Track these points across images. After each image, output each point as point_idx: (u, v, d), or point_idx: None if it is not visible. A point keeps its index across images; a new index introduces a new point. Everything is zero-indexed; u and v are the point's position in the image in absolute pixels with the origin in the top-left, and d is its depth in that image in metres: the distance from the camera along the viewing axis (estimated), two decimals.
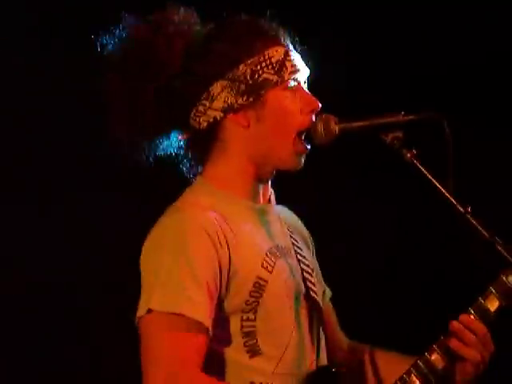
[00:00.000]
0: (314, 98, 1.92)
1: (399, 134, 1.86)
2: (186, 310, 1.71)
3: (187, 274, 1.74)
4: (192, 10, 1.95)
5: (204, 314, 1.73)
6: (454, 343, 1.85)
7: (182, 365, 1.70)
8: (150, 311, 1.72)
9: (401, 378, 1.90)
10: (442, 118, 1.84)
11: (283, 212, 2.09)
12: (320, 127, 1.88)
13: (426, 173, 1.84)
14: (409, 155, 1.84)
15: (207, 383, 1.74)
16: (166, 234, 1.81)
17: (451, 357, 1.87)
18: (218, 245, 1.78)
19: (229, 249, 1.80)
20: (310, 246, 2.15)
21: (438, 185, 1.84)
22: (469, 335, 1.84)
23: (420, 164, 1.84)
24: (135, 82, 1.90)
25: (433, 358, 1.87)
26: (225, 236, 1.80)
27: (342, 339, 2.18)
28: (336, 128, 1.88)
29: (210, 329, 1.74)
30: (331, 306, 2.17)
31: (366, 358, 2.11)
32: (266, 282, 1.83)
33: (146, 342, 1.72)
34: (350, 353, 2.17)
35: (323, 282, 2.13)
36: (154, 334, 1.73)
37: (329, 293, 2.16)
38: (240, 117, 1.89)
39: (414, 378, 1.88)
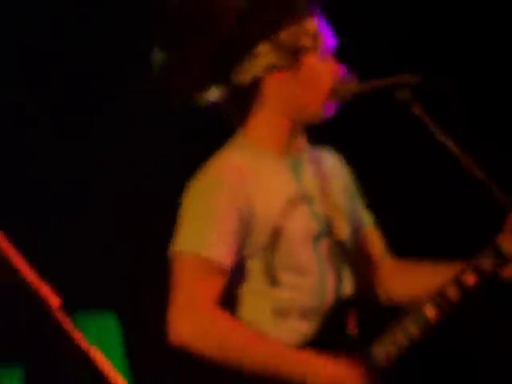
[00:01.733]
0: (340, 65, 2.20)
1: (408, 92, 2.08)
2: (205, 251, 2.02)
3: (210, 219, 2.06)
4: None
5: (222, 254, 2.03)
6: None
7: (198, 301, 2.01)
8: (176, 250, 2.07)
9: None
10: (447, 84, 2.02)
11: (323, 156, 2.31)
12: (343, 86, 2.16)
13: (431, 123, 2.05)
14: (417, 109, 2.07)
15: (219, 315, 2.04)
16: (197, 185, 2.11)
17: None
18: (242, 196, 2.07)
19: (251, 199, 2.08)
20: (349, 187, 2.33)
21: (442, 135, 2.05)
22: None
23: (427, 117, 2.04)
24: (193, 37, 2.14)
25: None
26: (249, 188, 2.08)
27: (386, 268, 2.35)
28: (356, 87, 2.16)
29: (229, 267, 2.04)
30: (374, 231, 2.37)
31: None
32: (283, 228, 2.09)
33: (173, 277, 2.06)
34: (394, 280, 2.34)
35: (366, 214, 2.35)
36: (177, 270, 2.06)
37: (370, 220, 2.36)
38: (279, 76, 2.14)
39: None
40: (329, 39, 2.21)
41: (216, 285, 2.04)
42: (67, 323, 1.32)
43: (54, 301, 1.28)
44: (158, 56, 2.18)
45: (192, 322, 2.01)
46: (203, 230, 2.05)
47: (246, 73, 2.14)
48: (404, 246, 2.36)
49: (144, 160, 3.25)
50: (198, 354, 2.01)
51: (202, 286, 2.03)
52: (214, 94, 2.19)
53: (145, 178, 3.11)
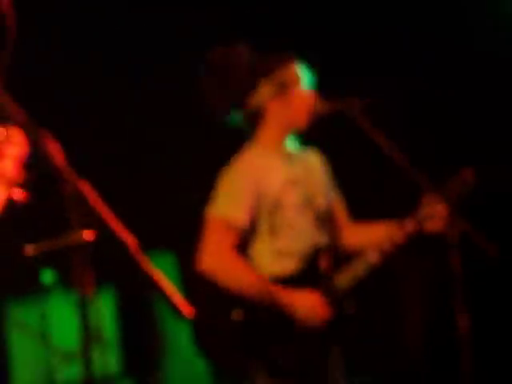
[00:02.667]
0: (314, 92, 3.12)
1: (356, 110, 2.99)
2: (229, 215, 2.97)
3: (234, 194, 3.00)
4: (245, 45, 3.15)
5: (240, 218, 2.97)
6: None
7: (222, 247, 2.94)
8: (210, 212, 3.01)
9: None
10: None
11: (307, 154, 3.22)
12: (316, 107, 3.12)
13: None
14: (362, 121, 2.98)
15: (233, 257, 2.95)
16: (227, 172, 3.07)
17: None
18: (257, 179, 3.01)
19: (261, 182, 3.01)
20: (325, 175, 3.23)
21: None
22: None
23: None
24: (221, 82, 3.10)
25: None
26: (260, 175, 3.03)
27: (348, 227, 3.28)
28: (324, 106, 3.10)
29: (245, 227, 2.97)
30: (340, 204, 3.29)
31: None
32: (281, 199, 3.01)
33: (204, 230, 2.98)
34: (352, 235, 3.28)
35: (336, 193, 3.26)
36: (208, 226, 2.99)
37: (339, 197, 3.28)
38: (276, 103, 3.10)
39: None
40: (306, 75, 3.14)
41: (233, 238, 2.97)
42: (143, 259, 1.54)
43: (132, 241, 1.51)
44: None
45: (213, 259, 2.94)
46: (229, 201, 3.01)
47: (255, 101, 3.11)
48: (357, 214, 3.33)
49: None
50: (215, 281, 2.95)
51: (224, 237, 2.97)
52: (235, 117, 3.13)
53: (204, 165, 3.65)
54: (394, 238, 3.04)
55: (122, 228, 1.53)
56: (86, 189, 1.48)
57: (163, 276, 1.57)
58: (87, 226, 1.44)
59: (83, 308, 1.47)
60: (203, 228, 3.00)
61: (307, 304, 2.96)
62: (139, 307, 4.98)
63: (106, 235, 1.51)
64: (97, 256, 1.53)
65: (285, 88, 3.08)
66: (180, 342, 5.11)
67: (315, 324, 2.96)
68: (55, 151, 1.52)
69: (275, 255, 3.03)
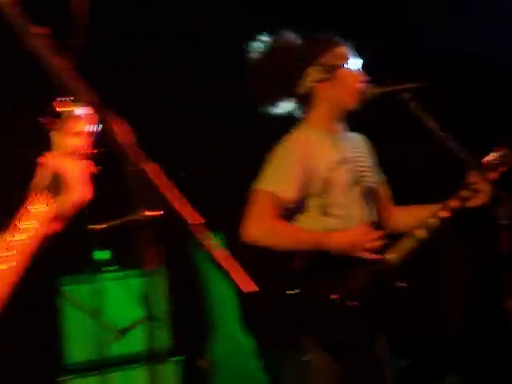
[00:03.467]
0: (362, 73, 3.16)
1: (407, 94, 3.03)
2: (275, 189, 3.02)
3: (283, 170, 3.05)
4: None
5: (286, 192, 3.01)
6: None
7: (264, 216, 3.00)
8: (258, 187, 3.06)
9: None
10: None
11: (354, 136, 3.31)
12: (365, 89, 3.16)
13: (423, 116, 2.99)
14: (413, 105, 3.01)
15: (275, 222, 3.02)
16: (277, 150, 3.13)
17: None
18: (307, 156, 3.06)
19: (311, 160, 3.06)
20: (371, 156, 3.32)
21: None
22: None
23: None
24: (272, 69, 3.16)
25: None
26: (309, 153, 3.07)
27: (392, 209, 3.38)
28: (374, 90, 3.14)
29: (291, 202, 3.03)
30: (385, 186, 3.38)
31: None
32: (331, 179, 3.06)
33: (250, 202, 3.04)
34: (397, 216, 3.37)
35: (380, 175, 3.35)
36: (254, 197, 3.05)
37: (382, 178, 3.36)
38: (324, 85, 3.15)
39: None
40: (354, 57, 3.19)
41: (277, 210, 3.03)
42: (207, 238, 1.58)
43: (199, 219, 1.55)
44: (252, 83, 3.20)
45: (257, 226, 3.00)
46: (277, 176, 3.05)
47: (303, 86, 3.18)
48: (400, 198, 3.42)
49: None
50: (260, 246, 3.01)
51: (268, 209, 3.01)
52: (285, 104, 3.23)
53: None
54: (439, 214, 3.09)
55: (187, 208, 1.55)
56: (153, 170, 1.50)
57: (226, 254, 1.59)
58: (151, 206, 1.45)
59: (145, 284, 1.49)
60: (250, 201, 3.06)
61: (351, 232, 3.03)
62: (190, 286, 5.06)
63: (169, 215, 1.53)
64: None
65: (332, 70, 3.13)
66: (227, 320, 5.18)
67: (362, 247, 3.00)
68: (123, 133, 1.55)
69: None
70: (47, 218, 1.62)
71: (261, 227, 3.00)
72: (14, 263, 1.58)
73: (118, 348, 4.51)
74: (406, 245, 3.07)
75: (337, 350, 3.00)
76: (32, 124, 1.71)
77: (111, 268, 4.58)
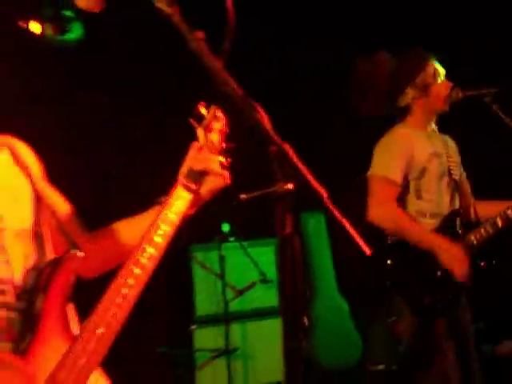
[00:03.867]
0: (448, 81, 3.23)
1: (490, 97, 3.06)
2: (388, 174, 3.10)
3: (391, 158, 3.14)
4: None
5: (397, 176, 3.09)
6: None
7: (385, 200, 3.08)
8: (372, 173, 3.17)
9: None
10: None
11: (443, 136, 3.34)
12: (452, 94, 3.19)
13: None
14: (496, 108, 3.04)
15: (395, 208, 3.08)
16: (384, 141, 3.23)
17: None
18: (409, 147, 3.14)
19: (411, 151, 3.13)
20: (457, 153, 3.36)
21: None
22: None
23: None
24: (373, 85, 3.26)
25: None
26: (410, 144, 3.15)
27: (471, 201, 3.36)
28: (460, 94, 3.18)
29: (400, 184, 3.09)
30: (467, 182, 3.39)
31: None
32: (427, 168, 3.13)
33: (369, 189, 3.13)
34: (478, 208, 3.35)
35: (462, 170, 3.37)
36: (372, 185, 3.15)
37: (464, 174, 3.37)
38: (420, 99, 3.23)
39: None
40: (442, 72, 3.25)
41: (393, 191, 3.10)
42: (332, 206, 1.59)
43: (324, 192, 1.56)
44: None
45: (380, 210, 3.08)
46: (387, 163, 3.14)
47: (403, 102, 3.26)
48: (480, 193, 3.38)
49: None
50: (383, 228, 3.08)
51: (386, 192, 3.09)
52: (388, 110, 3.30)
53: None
54: None
55: (316, 181, 1.56)
56: (288, 149, 1.50)
57: (346, 219, 1.59)
58: (288, 179, 1.46)
59: (281, 248, 1.51)
60: (368, 186, 3.18)
61: (454, 251, 3.04)
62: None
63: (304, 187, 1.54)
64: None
65: (427, 88, 3.23)
66: (327, 284, 5.20)
67: (454, 268, 3.01)
68: (264, 119, 1.59)
69: (418, 214, 3.15)
70: (190, 203, 1.72)
71: (384, 211, 3.08)
72: (169, 237, 1.67)
73: (238, 304, 4.60)
74: (486, 230, 3.09)
75: (426, 315, 3.02)
76: (183, 122, 1.82)
77: (233, 238, 4.67)
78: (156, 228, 1.66)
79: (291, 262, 1.46)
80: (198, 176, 1.76)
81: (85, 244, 1.73)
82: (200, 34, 1.52)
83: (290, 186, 1.46)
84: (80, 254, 1.61)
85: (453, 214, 3.16)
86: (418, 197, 3.14)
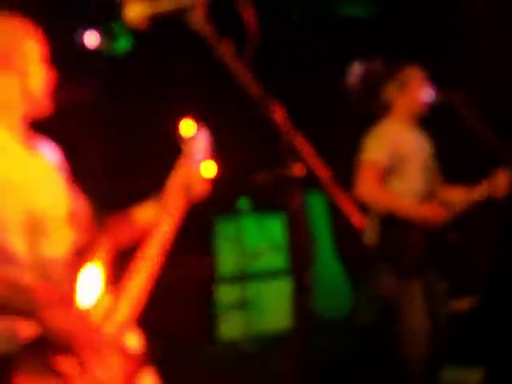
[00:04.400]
0: (428, 85, 3.03)
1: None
2: (373, 158, 2.92)
3: (378, 143, 2.97)
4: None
5: (382, 160, 2.91)
6: None
7: (368, 180, 2.89)
8: (361, 157, 2.97)
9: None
10: None
11: (422, 132, 3.11)
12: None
13: None
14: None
15: (378, 187, 2.90)
16: (371, 135, 3.02)
17: None
18: (394, 135, 2.98)
19: (398, 139, 2.98)
20: (432, 147, 3.17)
21: None
22: None
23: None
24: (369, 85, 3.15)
25: None
26: (396, 134, 3.00)
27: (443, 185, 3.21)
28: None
29: (385, 168, 2.91)
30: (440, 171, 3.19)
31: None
32: (411, 157, 2.97)
33: (358, 171, 2.94)
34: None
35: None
36: (359, 168, 2.94)
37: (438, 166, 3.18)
38: (400, 94, 3.05)
39: None
40: (420, 74, 3.07)
41: (377, 173, 2.92)
42: (335, 188, 1.55)
43: (328, 174, 1.53)
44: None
45: (364, 188, 2.89)
46: (374, 148, 2.95)
47: (386, 96, 3.08)
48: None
49: None
50: (368, 204, 2.90)
51: (370, 173, 2.91)
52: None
53: None
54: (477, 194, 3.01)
55: (321, 164, 1.53)
56: (299, 138, 1.48)
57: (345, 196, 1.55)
58: (298, 162, 1.45)
59: (291, 222, 1.49)
60: (357, 169, 3.03)
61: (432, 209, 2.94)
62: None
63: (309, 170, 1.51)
64: None
65: (404, 86, 3.08)
66: (325, 249, 5.21)
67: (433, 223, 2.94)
68: (281, 113, 1.56)
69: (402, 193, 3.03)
70: (179, 205, 1.74)
71: (368, 191, 2.93)
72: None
73: (254, 265, 4.61)
74: (454, 210, 3.01)
75: (408, 277, 2.96)
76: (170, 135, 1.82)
77: (249, 211, 4.67)
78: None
79: (300, 230, 1.45)
80: (185, 185, 1.78)
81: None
82: (227, 42, 1.48)
83: (300, 168, 1.44)
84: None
85: (426, 194, 3.06)
86: (402, 180, 3.01)
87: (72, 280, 1.55)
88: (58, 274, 1.60)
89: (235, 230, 4.53)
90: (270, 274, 4.72)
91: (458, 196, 3.11)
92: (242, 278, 4.49)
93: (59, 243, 1.63)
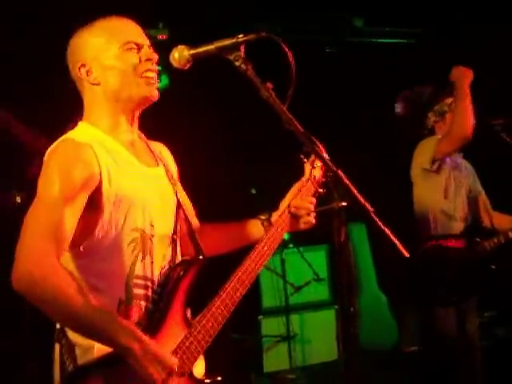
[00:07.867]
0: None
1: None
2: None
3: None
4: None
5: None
6: None
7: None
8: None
9: None
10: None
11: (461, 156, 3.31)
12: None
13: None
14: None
15: None
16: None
17: None
18: None
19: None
20: (473, 173, 3.30)
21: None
22: None
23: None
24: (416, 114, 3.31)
25: None
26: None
27: (490, 212, 3.28)
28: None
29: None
30: (484, 197, 3.31)
31: None
32: (450, 174, 3.20)
33: None
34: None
35: (480, 187, 3.31)
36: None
37: (482, 191, 3.30)
38: (439, 123, 3.27)
39: None
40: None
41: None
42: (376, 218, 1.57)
43: (370, 208, 1.55)
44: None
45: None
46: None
47: (428, 123, 3.25)
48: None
49: None
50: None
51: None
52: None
53: None
54: None
55: (364, 199, 1.55)
56: (341, 173, 1.50)
57: (388, 229, 1.57)
58: (342, 198, 1.47)
59: (338, 252, 1.50)
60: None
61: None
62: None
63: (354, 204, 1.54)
64: None
65: (443, 115, 3.24)
66: (370, 280, 5.17)
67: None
68: (322, 151, 1.60)
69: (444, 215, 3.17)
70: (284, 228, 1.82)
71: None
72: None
73: (296, 298, 4.61)
74: (499, 239, 3.07)
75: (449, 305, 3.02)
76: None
77: (292, 245, 4.69)
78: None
79: (346, 263, 1.46)
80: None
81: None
82: (269, 85, 1.53)
83: (344, 203, 1.45)
84: (204, 259, 1.64)
85: (473, 224, 3.17)
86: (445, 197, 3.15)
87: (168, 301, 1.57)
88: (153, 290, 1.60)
89: (279, 264, 4.54)
90: (314, 306, 4.72)
91: (506, 223, 3.15)
92: (287, 310, 4.48)
93: (157, 262, 1.62)
